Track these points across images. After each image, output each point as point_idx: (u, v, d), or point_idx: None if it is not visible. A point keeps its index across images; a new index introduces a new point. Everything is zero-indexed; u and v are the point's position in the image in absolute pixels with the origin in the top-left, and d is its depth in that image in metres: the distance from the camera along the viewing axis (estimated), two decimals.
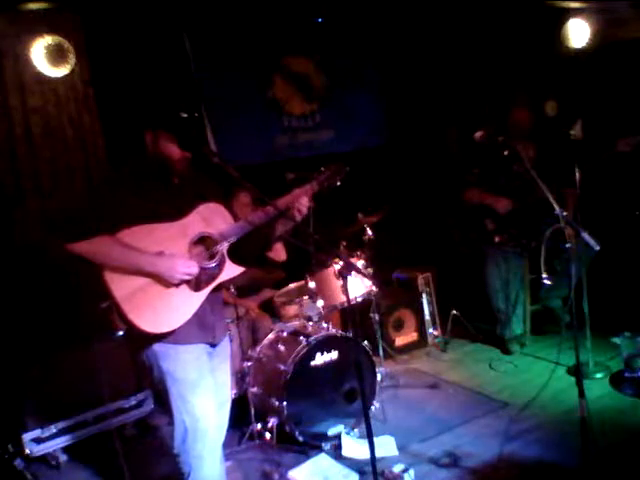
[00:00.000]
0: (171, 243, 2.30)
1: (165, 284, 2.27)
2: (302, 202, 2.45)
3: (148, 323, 2.22)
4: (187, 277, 2.27)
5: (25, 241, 4.01)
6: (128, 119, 4.08)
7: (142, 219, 2.28)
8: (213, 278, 2.37)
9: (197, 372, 2.37)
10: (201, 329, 2.39)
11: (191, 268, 2.27)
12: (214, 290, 2.40)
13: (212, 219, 2.41)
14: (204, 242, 2.39)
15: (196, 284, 2.33)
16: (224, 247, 2.38)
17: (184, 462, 2.38)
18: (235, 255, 2.44)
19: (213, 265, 2.35)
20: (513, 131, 4.15)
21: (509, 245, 4.32)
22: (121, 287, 2.22)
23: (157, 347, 2.32)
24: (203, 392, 2.37)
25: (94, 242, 2.20)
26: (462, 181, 4.43)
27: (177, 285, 2.29)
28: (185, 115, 2.32)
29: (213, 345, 2.49)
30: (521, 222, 4.23)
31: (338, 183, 2.57)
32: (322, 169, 2.56)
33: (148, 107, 2.45)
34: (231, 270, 2.41)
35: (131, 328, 2.22)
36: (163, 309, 2.26)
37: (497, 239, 4.30)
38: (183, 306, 2.30)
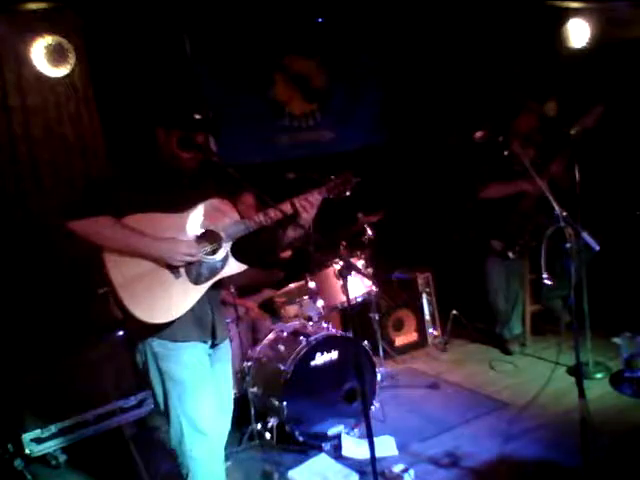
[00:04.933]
0: (175, 234, 2.30)
1: (165, 274, 2.26)
2: (312, 198, 2.43)
3: (144, 312, 2.20)
4: (188, 258, 2.25)
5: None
6: (128, 119, 4.08)
7: (147, 209, 2.27)
8: (214, 273, 2.36)
9: (197, 374, 2.36)
10: (199, 327, 2.37)
11: (191, 249, 2.26)
12: (214, 287, 2.39)
13: (218, 214, 2.40)
14: (208, 236, 2.38)
15: (196, 277, 2.31)
16: (228, 243, 2.39)
17: (182, 464, 2.37)
18: (241, 254, 2.43)
19: (215, 260, 2.35)
20: (517, 135, 4.11)
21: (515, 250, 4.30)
22: (120, 274, 2.20)
23: (156, 347, 2.31)
24: (202, 394, 2.36)
25: (95, 221, 2.18)
26: (475, 180, 4.38)
27: (176, 275, 2.28)
28: (199, 116, 2.30)
29: (213, 345, 2.47)
30: (525, 230, 4.21)
31: (347, 193, 2.54)
32: (332, 177, 2.54)
33: (161, 106, 2.42)
34: (233, 267, 2.40)
35: (127, 317, 2.20)
36: (161, 299, 2.24)
37: (510, 255, 4.26)
38: (181, 298, 2.28)
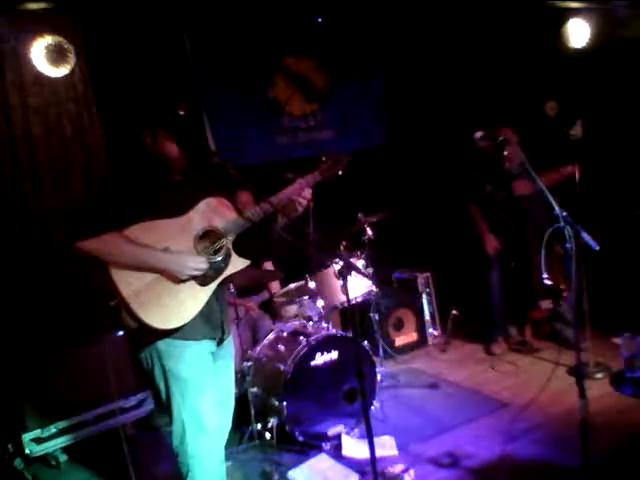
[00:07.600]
0: (176, 238, 2.31)
1: (172, 280, 2.27)
2: (304, 194, 2.46)
3: (158, 320, 2.22)
4: (196, 273, 2.27)
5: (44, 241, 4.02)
6: (128, 119, 4.07)
7: (146, 216, 2.28)
8: (219, 272, 2.38)
9: (200, 372, 2.37)
10: (208, 324, 2.39)
11: (200, 264, 2.28)
12: (220, 284, 2.41)
13: (216, 213, 2.41)
14: (209, 236, 2.39)
15: (203, 279, 2.33)
16: (229, 240, 2.39)
17: (182, 462, 2.37)
18: (241, 249, 2.44)
19: (219, 259, 2.36)
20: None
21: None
22: (128, 285, 2.22)
23: (161, 346, 2.32)
24: (204, 392, 2.37)
25: (102, 239, 2.20)
26: (468, 194, 4.46)
27: (184, 280, 2.29)
28: (182, 113, 2.32)
29: (220, 342, 2.48)
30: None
31: (340, 173, 2.57)
32: (323, 158, 2.56)
33: (145, 106, 2.45)
34: (237, 263, 2.42)
35: (141, 325, 2.22)
36: (171, 305, 2.26)
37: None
38: (191, 301, 2.30)
